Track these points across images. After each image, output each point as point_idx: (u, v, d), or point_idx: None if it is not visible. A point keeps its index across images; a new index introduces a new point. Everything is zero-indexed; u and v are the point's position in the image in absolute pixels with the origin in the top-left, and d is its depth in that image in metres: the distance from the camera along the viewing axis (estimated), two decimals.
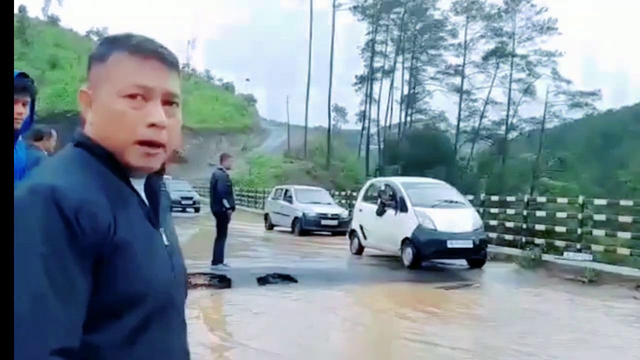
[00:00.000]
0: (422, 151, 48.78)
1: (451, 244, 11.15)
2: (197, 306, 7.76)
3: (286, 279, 10.07)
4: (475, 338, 7.06)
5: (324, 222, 19.06)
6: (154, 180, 1.21)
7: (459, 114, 62.58)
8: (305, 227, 18.88)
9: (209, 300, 8.61)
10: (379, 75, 65.33)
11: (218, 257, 10.45)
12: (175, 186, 27.21)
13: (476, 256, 11.58)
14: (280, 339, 6.76)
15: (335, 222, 19.10)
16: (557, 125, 60.70)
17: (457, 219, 11.64)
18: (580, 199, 13.68)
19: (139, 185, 1.17)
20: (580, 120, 60.63)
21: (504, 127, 60.82)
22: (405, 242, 11.51)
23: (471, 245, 11.35)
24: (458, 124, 62.89)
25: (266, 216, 21.98)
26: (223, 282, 9.51)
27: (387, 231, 12.30)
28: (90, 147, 1.12)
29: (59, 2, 79.63)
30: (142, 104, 1.11)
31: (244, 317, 7.67)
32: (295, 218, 19.36)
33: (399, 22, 64.16)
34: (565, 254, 12.43)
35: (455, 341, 6.79)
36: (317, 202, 19.95)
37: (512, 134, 61.78)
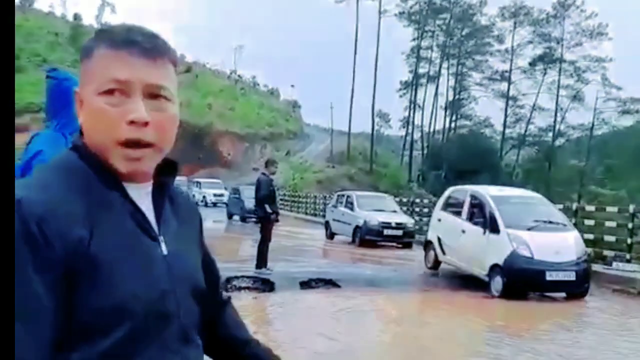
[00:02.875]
0: (466, 157, 48.22)
1: (550, 276, 9.51)
2: (240, 309, 7.88)
3: (328, 283, 10.13)
4: (522, 348, 6.97)
5: (387, 231, 17.33)
6: (163, 184, 1.12)
7: (505, 120, 61.82)
8: (367, 237, 17.23)
9: (251, 303, 8.73)
10: (423, 81, 65.08)
11: (262, 261, 10.58)
12: (250, 193, 25.40)
13: (577, 290, 9.88)
14: (320, 344, 6.80)
15: (399, 232, 17.49)
16: (606, 132, 59.20)
17: (559, 245, 9.92)
18: (631, 208, 13.34)
19: (141, 190, 1.08)
20: (630, 127, 58.99)
21: (550, 134, 59.74)
22: (495, 269, 9.86)
23: (573, 278, 9.63)
24: (504, 130, 62.10)
25: (327, 224, 20.41)
26: (266, 285, 9.63)
27: (472, 251, 10.71)
28: (82, 152, 1.05)
29: (111, 10, 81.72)
30: (122, 100, 1.01)
31: (285, 321, 7.75)
32: (356, 227, 17.72)
33: (445, 28, 63.78)
34: (614, 264, 12.14)
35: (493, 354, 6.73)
36: (380, 210, 18.21)
37: (560, 141, 60.59)
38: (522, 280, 9.54)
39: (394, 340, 7.29)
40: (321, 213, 30.25)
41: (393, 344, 7.09)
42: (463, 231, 11.14)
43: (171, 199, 1.15)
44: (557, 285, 9.76)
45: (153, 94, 1.04)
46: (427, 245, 12.77)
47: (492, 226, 10.28)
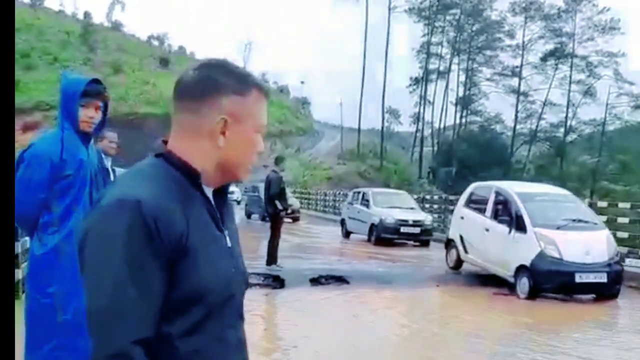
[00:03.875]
0: (477, 153, 48.06)
1: (580, 278, 9.03)
2: (250, 306, 7.90)
3: (338, 280, 10.13)
4: (531, 346, 6.94)
5: (403, 229, 16.80)
6: (223, 189, 1.37)
7: (516, 116, 61.42)
8: (383, 235, 16.77)
9: (262, 299, 8.75)
10: (433, 77, 64.74)
11: (272, 258, 10.60)
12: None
13: (608, 292, 9.42)
14: (331, 340, 6.81)
15: (417, 230, 16.99)
16: (618, 128, 58.69)
17: (589, 245, 9.40)
18: None
19: (209, 191, 1.32)
20: None
21: (562, 129, 59.29)
22: (521, 270, 9.39)
23: (605, 280, 9.17)
24: (515, 126, 61.71)
25: (342, 222, 19.96)
26: (277, 282, 9.65)
27: (497, 251, 10.23)
28: (170, 159, 1.28)
29: (121, 8, 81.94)
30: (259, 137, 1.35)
31: (295, 317, 7.76)
32: (372, 225, 17.23)
33: (455, 24, 63.47)
34: (627, 260, 12.04)
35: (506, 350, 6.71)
36: (397, 207, 17.70)
37: (571, 136, 60.12)
38: (550, 282, 9.12)
39: (405, 338, 7.28)
40: (331, 210, 30.28)
41: (404, 342, 7.08)
42: (487, 230, 10.63)
43: (224, 202, 1.40)
44: (587, 287, 9.32)
45: None
46: (449, 243, 12.14)
47: (518, 225, 9.76)
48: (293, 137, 67.27)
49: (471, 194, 12.04)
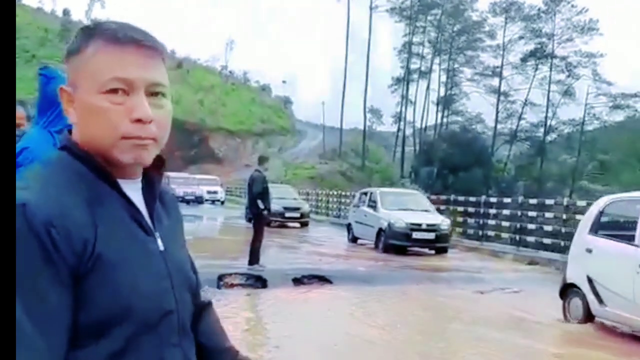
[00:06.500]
0: (458, 153, 48.31)
1: None
2: (232, 306, 7.86)
3: (321, 280, 10.11)
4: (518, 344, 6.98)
5: (415, 234, 14.76)
6: (153, 181, 1.13)
7: (496, 116, 62.03)
8: (391, 242, 14.85)
9: (244, 300, 8.70)
10: (415, 76, 65.25)
11: (254, 258, 10.56)
12: (277, 192, 20.10)
13: None
14: (313, 340, 6.79)
15: (431, 236, 14.91)
16: (597, 128, 59.52)
17: None
18: None
19: (132, 185, 1.09)
20: (621, 122, 59.39)
21: (542, 129, 59.99)
22: None
23: None
24: (495, 126, 62.30)
25: (348, 227, 18.08)
26: (259, 282, 9.60)
27: None
28: (74, 150, 1.05)
29: (101, 5, 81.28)
30: (124, 98, 1.02)
31: (277, 317, 7.73)
32: (380, 230, 15.32)
33: (436, 24, 64.01)
34: None
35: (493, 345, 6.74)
36: (409, 209, 15.72)
37: (551, 136, 60.88)
38: None
39: (388, 337, 7.28)
40: (314, 210, 30.26)
41: (387, 341, 7.08)
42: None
43: (160, 197, 1.16)
44: None
45: (153, 92, 1.06)
46: (567, 289, 7.92)
47: None
48: (275, 137, 67.26)
49: (601, 213, 7.74)
